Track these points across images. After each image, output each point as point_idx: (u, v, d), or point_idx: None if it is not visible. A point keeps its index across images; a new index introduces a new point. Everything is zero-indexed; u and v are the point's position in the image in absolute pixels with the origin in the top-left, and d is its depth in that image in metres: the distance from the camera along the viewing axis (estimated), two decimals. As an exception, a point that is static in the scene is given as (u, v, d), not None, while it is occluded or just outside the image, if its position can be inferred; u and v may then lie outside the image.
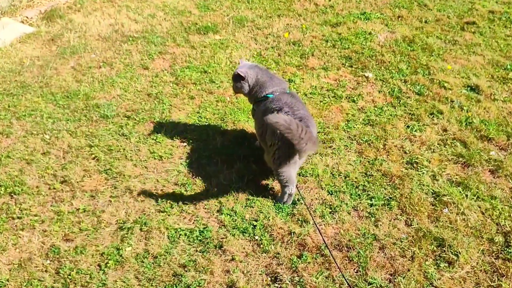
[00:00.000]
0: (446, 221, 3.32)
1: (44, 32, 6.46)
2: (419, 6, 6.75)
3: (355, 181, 3.66)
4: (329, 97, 4.78)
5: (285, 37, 5.97)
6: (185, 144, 4.19)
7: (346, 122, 4.36)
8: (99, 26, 6.64)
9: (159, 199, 3.59)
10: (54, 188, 3.75)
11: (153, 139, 4.25)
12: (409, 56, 5.42)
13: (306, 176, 3.74)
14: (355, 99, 4.70)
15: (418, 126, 4.26)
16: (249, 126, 4.38)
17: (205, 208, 3.52)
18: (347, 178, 3.69)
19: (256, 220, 3.39)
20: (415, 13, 6.54)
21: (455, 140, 4.08)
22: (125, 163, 3.96)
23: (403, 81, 4.95)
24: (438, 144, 4.05)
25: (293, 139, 2.75)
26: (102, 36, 6.28)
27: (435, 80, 4.91)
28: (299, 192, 3.49)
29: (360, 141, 4.10)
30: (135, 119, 4.54)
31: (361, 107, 4.58)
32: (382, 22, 6.35)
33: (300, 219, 3.39)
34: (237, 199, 3.56)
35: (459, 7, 6.63)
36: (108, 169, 3.90)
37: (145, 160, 4.00)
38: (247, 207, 3.50)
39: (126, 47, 5.99)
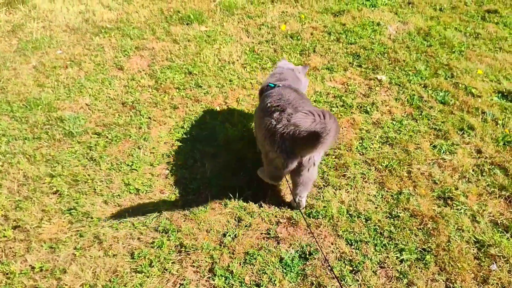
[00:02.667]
0: (497, 284, 2.62)
1: (2, 22, 5.55)
2: (431, -10, 5.94)
3: (378, 226, 2.95)
4: (337, 106, 4.03)
5: (281, 29, 5.14)
6: (167, 171, 3.43)
7: (360, 141, 3.63)
8: (67, 13, 5.75)
9: (136, 253, 2.84)
10: (5, 237, 2.98)
11: (128, 165, 3.48)
12: (427, 53, 4.66)
13: (318, 218, 3.01)
14: (368, 109, 3.96)
15: (447, 146, 3.54)
16: (244, 145, 3.62)
17: (194, 266, 2.79)
18: (369, 222, 2.98)
19: (258, 286, 2.66)
20: (427, -1, 5.75)
21: (493, 166, 3.38)
22: (94, 199, 3.20)
23: (422, 85, 4.21)
24: (473, 171, 3.34)
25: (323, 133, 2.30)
26: (70, 27, 5.41)
27: (460, 85, 4.18)
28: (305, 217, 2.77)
29: (380, 167, 3.38)
30: (107, 137, 3.75)
31: (377, 120, 3.84)
32: (390, 10, 5.56)
33: (314, 282, 2.66)
34: (233, 253, 2.83)
35: (476, -9, 5.84)
36: (72, 209, 3.14)
37: (119, 194, 3.23)
38: (246, 264, 2.79)
39: (97, 40, 5.14)
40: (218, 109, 4.08)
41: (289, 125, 2.43)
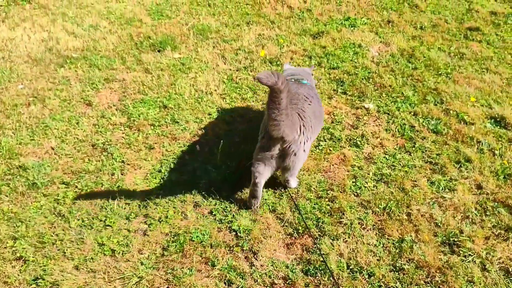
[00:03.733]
0: None
1: (-44, 55, 5.12)
2: (410, 8, 5.80)
3: (383, 282, 2.69)
4: (325, 140, 3.77)
5: (261, 55, 4.86)
6: (145, 226, 3.09)
7: (354, 180, 3.37)
8: (28, 42, 5.36)
9: (114, 332, 2.49)
10: (-41, 317, 2.59)
11: (101, 220, 3.13)
12: (413, 76, 4.46)
13: (317, 275, 2.71)
14: (358, 142, 3.71)
15: (445, 182, 3.32)
16: (230, 192, 3.32)
17: None
18: (372, 278, 2.71)
19: None
20: (407, 16, 5.57)
21: (496, 203, 3.17)
22: (64, 265, 2.84)
23: (412, 113, 3.99)
24: (476, 209, 3.12)
25: (274, 105, 2.55)
26: (33, 57, 5.02)
27: (451, 111, 3.98)
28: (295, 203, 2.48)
29: (377, 209, 3.12)
30: (76, 187, 3.39)
31: (368, 155, 3.60)
32: (371, 30, 5.35)
33: None
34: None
35: (455, 8, 5.71)
36: (38, 279, 2.77)
37: (92, 258, 2.88)
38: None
39: (62, 72, 4.77)
40: (198, 148, 3.76)
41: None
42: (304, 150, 2.99)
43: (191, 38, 5.39)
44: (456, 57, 4.77)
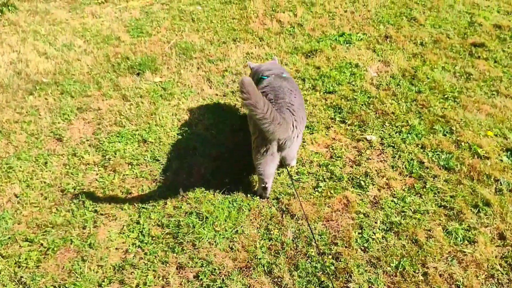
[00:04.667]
0: None
1: None
2: (408, 21, 5.40)
3: None
4: (324, 179, 3.34)
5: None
6: (121, 296, 2.63)
7: (360, 231, 2.95)
8: (-6, 65, 4.86)
9: None
10: None
11: (69, 289, 2.65)
12: (417, 102, 4.05)
13: None
14: (362, 182, 3.29)
15: (463, 231, 2.91)
16: (218, 251, 2.87)
17: None
18: None
19: None
20: (406, 31, 5.17)
21: (524, 258, 2.74)
22: None
23: (420, 146, 3.58)
24: (501, 266, 2.72)
25: (256, 112, 2.51)
26: (-2, 83, 4.52)
27: (462, 143, 3.57)
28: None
29: (388, 268, 2.71)
30: (42, 246, 2.95)
31: (374, 198, 3.18)
32: (367, 46, 4.94)
33: None
34: None
35: (456, 21, 5.32)
36: None
37: None
38: None
39: (31, 101, 4.30)
40: (181, 192, 3.31)
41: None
42: (297, 136, 3.04)
43: (173, 58, 4.94)
44: (462, 77, 4.37)
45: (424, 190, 3.24)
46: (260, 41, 5.19)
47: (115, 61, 4.91)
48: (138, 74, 4.71)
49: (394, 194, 3.22)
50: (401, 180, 3.33)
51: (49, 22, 5.88)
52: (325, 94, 4.26)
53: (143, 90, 4.44)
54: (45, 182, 3.46)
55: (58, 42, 5.39)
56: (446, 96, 4.13)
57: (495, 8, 5.63)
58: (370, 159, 3.53)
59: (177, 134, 3.88)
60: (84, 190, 3.37)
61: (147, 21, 5.76)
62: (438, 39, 4.98)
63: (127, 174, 3.51)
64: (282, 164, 3.20)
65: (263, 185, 3.13)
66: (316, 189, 3.30)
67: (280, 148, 2.95)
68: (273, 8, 5.87)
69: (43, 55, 5.14)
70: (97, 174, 3.53)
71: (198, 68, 4.79)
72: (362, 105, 4.08)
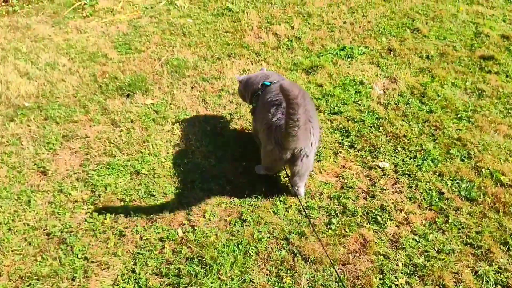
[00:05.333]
0: None
1: None
2: (411, 33, 5.13)
3: None
4: (336, 214, 3.05)
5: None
6: None
7: (381, 276, 2.66)
8: (-28, 88, 4.51)
9: None
10: None
11: None
12: (429, 122, 3.78)
13: None
14: (378, 217, 3.00)
15: (494, 273, 2.64)
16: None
17: None
18: None
19: None
20: (409, 43, 4.91)
21: None
22: None
23: (437, 174, 3.30)
24: (540, 316, 2.41)
25: (292, 118, 2.50)
26: (-24, 109, 4.17)
27: (483, 170, 3.31)
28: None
29: (416, 322, 2.39)
30: (26, 303, 2.58)
31: (393, 236, 2.89)
32: (371, 61, 4.66)
33: None
34: None
35: (461, 31, 5.07)
36: None
37: None
38: None
39: (12, 128, 3.96)
40: (180, 233, 2.99)
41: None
42: (314, 144, 2.97)
43: (165, 77, 4.62)
44: (474, 94, 4.12)
45: (447, 225, 2.97)
46: (257, 56, 4.89)
47: (103, 81, 4.58)
48: (128, 95, 4.38)
49: (415, 231, 2.94)
50: (420, 214, 3.05)
51: (31, 38, 5.51)
52: (330, 115, 3.97)
53: (133, 114, 4.11)
54: (28, 225, 3.12)
55: (41, 60, 5.04)
56: (459, 115, 3.87)
57: (500, 17, 5.39)
58: (385, 189, 3.25)
59: (173, 164, 3.56)
60: (72, 233, 3.03)
61: (135, 36, 5.42)
62: (444, 52, 4.72)
63: (119, 213, 3.18)
64: (292, 193, 3.22)
65: (295, 189, 3.17)
66: (328, 226, 3.00)
67: (295, 157, 2.90)
68: (268, 20, 5.56)
69: (24, 76, 4.78)
70: (86, 213, 3.20)
71: (192, 87, 4.48)
72: (371, 127, 3.80)
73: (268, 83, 3.29)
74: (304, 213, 3.08)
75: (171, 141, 3.80)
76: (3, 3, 6.15)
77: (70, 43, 5.36)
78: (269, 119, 2.89)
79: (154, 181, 3.42)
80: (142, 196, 3.30)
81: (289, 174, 3.16)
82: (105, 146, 3.77)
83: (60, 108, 4.25)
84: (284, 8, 5.80)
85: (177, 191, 3.33)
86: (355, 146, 3.64)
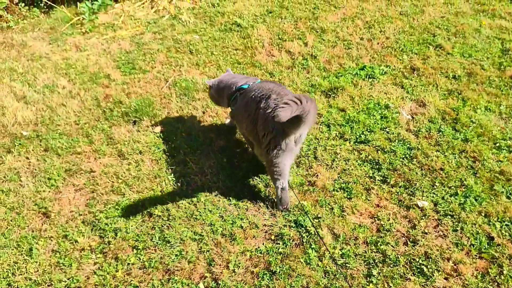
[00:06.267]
0: None
1: None
2: (434, 50, 4.82)
3: None
4: (376, 265, 2.72)
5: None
6: None
7: None
8: (-35, 114, 4.16)
9: None
10: None
11: None
12: (467, 153, 3.46)
13: None
14: (423, 267, 2.69)
15: None
16: None
17: None
18: None
19: None
20: (433, 61, 4.61)
21: None
22: None
23: (483, 215, 2.98)
24: None
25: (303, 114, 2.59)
26: (-31, 139, 3.81)
27: (533, 209, 2.97)
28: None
29: None
30: None
31: (444, 291, 2.54)
32: (394, 82, 4.35)
33: None
34: None
35: (487, 48, 4.76)
36: None
37: None
38: None
39: (10, 162, 3.63)
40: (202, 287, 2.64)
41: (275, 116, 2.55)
42: None
43: (174, 100, 4.28)
44: (511, 120, 3.79)
45: (502, 278, 2.64)
46: (271, 76, 4.56)
47: (107, 106, 4.23)
48: (134, 122, 4.04)
49: (467, 284, 2.61)
50: (471, 264, 2.73)
51: (27, 57, 5.15)
52: (357, 144, 3.65)
53: (142, 143, 3.77)
54: (30, 279, 2.78)
55: (39, 82, 4.68)
56: (497, 144, 3.56)
57: (525, 32, 5.10)
58: (427, 233, 2.93)
59: (189, 203, 3.23)
60: (80, 289, 2.68)
61: (139, 54, 5.08)
62: (472, 72, 4.41)
63: (132, 263, 2.84)
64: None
65: (281, 187, 3.04)
66: (369, 279, 2.67)
67: (296, 143, 2.96)
68: (280, 36, 5.24)
69: (21, 100, 4.42)
70: (95, 264, 2.85)
71: (203, 112, 4.14)
72: (403, 158, 3.48)
73: (245, 86, 3.31)
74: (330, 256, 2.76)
75: (184, 176, 3.46)
76: (-4, 19, 5.79)
77: (69, 62, 5.01)
78: (261, 113, 2.93)
79: (169, 224, 3.07)
80: (157, 242, 2.96)
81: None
82: (113, 182, 3.43)
83: (61, 137, 3.90)
84: (296, 23, 5.47)
85: (195, 236, 2.99)
86: (388, 181, 3.31)
